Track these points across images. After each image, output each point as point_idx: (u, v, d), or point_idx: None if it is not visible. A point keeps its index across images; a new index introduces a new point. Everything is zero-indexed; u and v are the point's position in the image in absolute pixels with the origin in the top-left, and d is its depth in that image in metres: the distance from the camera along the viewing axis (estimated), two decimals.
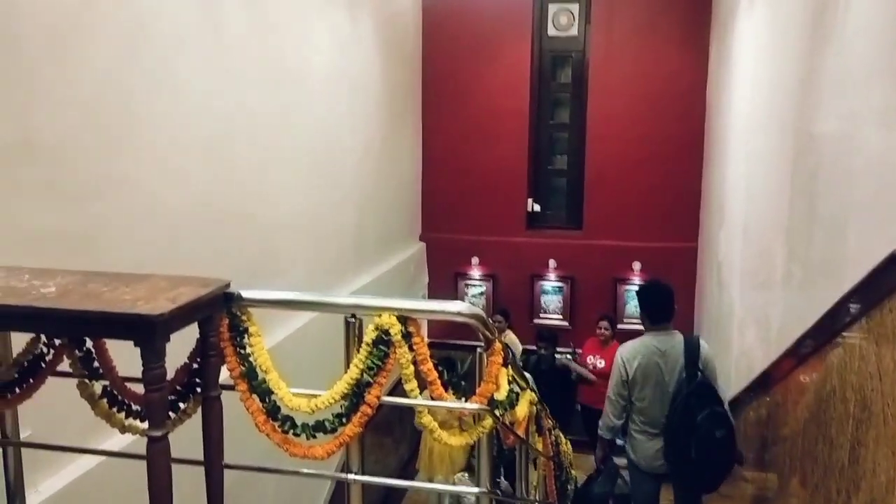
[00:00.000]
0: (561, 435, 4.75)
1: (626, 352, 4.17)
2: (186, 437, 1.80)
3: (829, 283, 2.85)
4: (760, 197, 4.61)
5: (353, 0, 5.86)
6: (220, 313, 1.80)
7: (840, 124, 2.96)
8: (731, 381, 5.15)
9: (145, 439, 1.64)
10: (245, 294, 1.82)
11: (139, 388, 1.78)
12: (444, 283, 8.28)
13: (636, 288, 7.44)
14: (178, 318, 1.57)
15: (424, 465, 5.60)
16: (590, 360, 6.83)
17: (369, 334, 1.83)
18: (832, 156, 3.04)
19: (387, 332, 1.81)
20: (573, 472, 5.54)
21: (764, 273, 4.37)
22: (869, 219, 2.52)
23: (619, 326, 7.41)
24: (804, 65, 3.54)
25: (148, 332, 1.49)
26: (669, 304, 4.18)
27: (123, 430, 1.83)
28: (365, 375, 1.83)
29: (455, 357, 7.48)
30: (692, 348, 3.98)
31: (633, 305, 7.86)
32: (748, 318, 4.87)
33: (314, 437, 1.87)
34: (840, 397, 2.62)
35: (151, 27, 3.29)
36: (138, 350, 1.54)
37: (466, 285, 8.32)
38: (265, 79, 4.41)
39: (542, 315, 8.20)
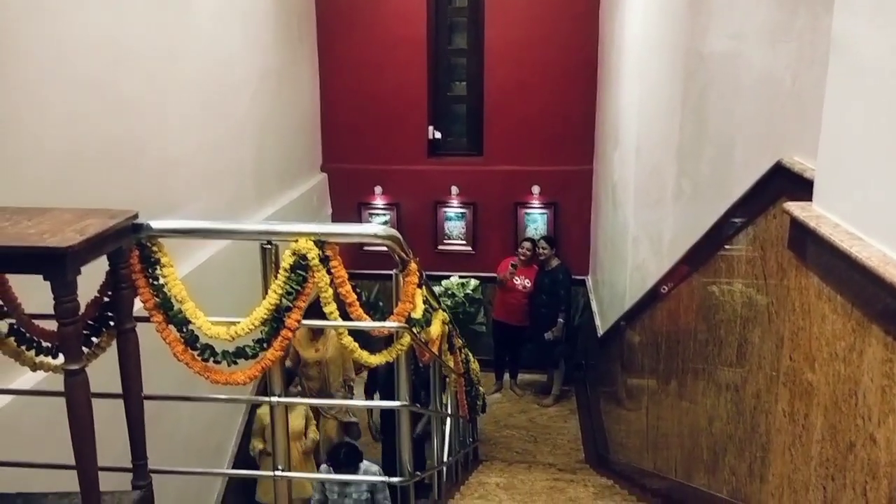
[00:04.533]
0: (469, 353, 4.93)
1: None
2: (101, 371, 1.77)
3: (718, 195, 3.02)
4: (652, 117, 4.78)
5: None
6: (130, 245, 1.76)
7: (728, 43, 3.09)
8: (627, 294, 5.42)
9: (57, 376, 1.61)
10: (155, 224, 1.78)
11: (46, 324, 1.74)
12: (348, 213, 8.22)
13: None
14: (88, 249, 1.53)
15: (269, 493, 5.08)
16: (517, 280, 7.32)
17: (287, 260, 1.83)
18: (720, 74, 3.18)
19: (304, 257, 1.82)
20: (481, 388, 5.77)
21: (656, 191, 4.57)
22: (755, 132, 2.67)
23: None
24: None
25: (58, 264, 1.45)
26: None
27: (35, 367, 1.79)
28: (284, 300, 1.84)
29: (360, 287, 7.54)
30: None
31: (532, 228, 8.08)
32: (642, 234, 5.11)
33: (235, 363, 1.88)
34: (728, 299, 2.83)
35: None
36: (47, 284, 1.50)
37: (370, 214, 8.30)
38: (147, 7, 4.17)
39: (445, 241, 8.31)
